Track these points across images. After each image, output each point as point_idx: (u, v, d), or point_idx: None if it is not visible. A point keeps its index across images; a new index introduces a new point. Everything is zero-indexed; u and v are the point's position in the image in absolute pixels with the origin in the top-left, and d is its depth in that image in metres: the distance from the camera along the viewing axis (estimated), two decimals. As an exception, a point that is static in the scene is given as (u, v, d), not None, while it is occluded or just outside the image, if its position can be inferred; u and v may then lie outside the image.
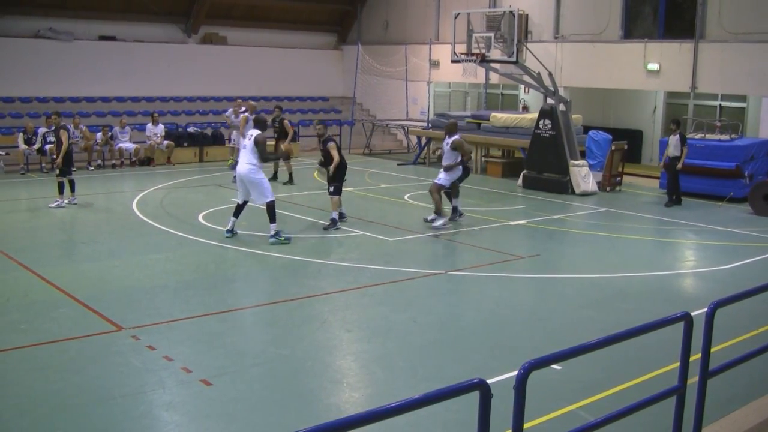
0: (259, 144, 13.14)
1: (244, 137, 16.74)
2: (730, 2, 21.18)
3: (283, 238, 13.15)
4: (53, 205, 16.04)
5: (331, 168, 14.24)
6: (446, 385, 3.76)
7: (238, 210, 13.52)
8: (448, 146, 14.78)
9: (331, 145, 14.41)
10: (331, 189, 14.42)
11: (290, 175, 20.13)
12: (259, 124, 13.73)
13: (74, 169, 16.84)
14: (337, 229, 14.30)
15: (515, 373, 4.01)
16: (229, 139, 23.32)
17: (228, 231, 13.50)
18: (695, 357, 5.33)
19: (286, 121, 20.46)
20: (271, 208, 13.19)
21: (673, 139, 18.04)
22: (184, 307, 9.75)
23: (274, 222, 13.22)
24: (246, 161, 13.20)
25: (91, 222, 15.29)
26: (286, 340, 8.65)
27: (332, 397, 7.20)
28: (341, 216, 14.94)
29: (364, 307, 10.02)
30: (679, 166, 17.96)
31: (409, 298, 10.53)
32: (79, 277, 11.09)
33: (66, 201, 16.23)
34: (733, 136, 19.57)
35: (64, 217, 15.43)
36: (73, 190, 16.37)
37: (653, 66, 22.68)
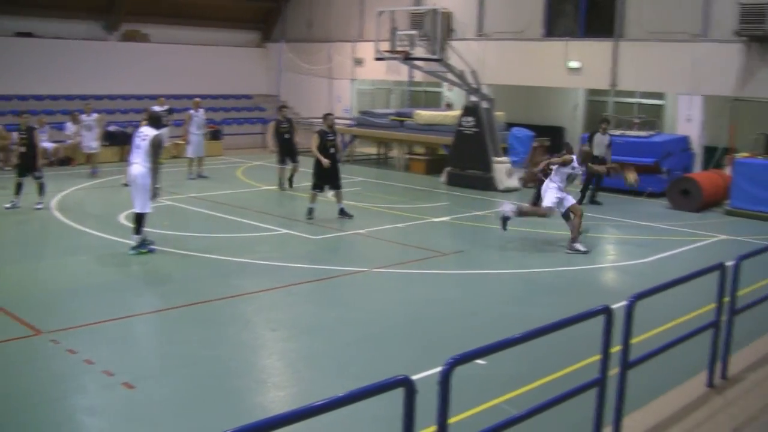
0: (154, 146, 11.93)
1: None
2: (648, 3, 21.67)
3: (146, 251, 12.21)
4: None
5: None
6: (374, 382, 3.77)
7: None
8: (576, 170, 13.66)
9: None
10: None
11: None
12: (154, 120, 12.39)
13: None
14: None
15: (441, 368, 4.04)
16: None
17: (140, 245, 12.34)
18: (616, 349, 5.45)
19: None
20: (142, 218, 12.19)
21: (604, 139, 17.90)
22: (107, 309, 9.52)
23: (139, 233, 12.20)
24: (141, 162, 12.01)
25: (9, 224, 14.82)
26: (210, 341, 8.54)
27: (258, 396, 7.15)
28: (311, 212, 15.13)
29: (289, 306, 9.98)
30: (615, 167, 16.91)
31: (335, 296, 10.52)
32: (-4, 280, 10.76)
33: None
34: (651, 132, 20.04)
35: (-22, 219, 14.96)
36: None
37: (574, 64, 23.06)
